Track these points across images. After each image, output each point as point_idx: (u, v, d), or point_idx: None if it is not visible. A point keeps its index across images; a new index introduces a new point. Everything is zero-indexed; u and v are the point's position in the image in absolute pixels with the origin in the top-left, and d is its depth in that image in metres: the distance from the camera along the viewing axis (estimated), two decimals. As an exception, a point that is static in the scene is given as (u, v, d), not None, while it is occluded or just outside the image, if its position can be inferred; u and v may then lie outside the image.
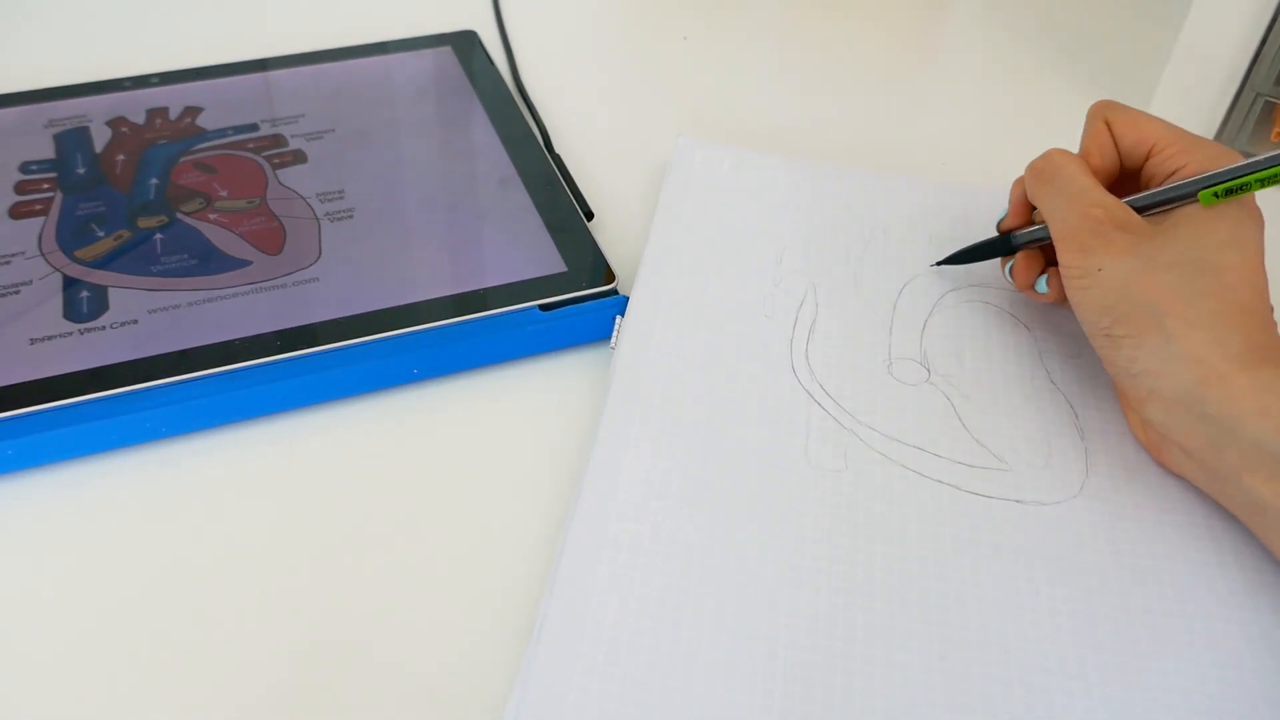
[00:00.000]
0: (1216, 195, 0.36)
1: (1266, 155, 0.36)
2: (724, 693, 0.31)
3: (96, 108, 0.53)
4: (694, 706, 0.31)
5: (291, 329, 0.42)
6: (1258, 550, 0.36)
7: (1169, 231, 0.37)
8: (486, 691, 0.33)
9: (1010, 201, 0.43)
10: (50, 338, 0.41)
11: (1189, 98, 0.54)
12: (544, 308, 0.43)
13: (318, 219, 0.47)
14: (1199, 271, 0.35)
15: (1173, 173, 0.38)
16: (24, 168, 0.49)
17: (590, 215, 0.49)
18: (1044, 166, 0.40)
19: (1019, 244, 0.43)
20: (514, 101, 0.54)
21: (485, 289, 0.44)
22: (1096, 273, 0.37)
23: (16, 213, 0.47)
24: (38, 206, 0.47)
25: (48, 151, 0.50)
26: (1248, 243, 0.36)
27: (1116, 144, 0.40)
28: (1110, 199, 0.38)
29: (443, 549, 0.37)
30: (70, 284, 0.43)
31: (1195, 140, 0.38)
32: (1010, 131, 0.57)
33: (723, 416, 0.39)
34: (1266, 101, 0.52)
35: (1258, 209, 0.37)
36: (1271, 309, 0.36)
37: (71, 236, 0.46)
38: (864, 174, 0.50)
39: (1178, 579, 0.35)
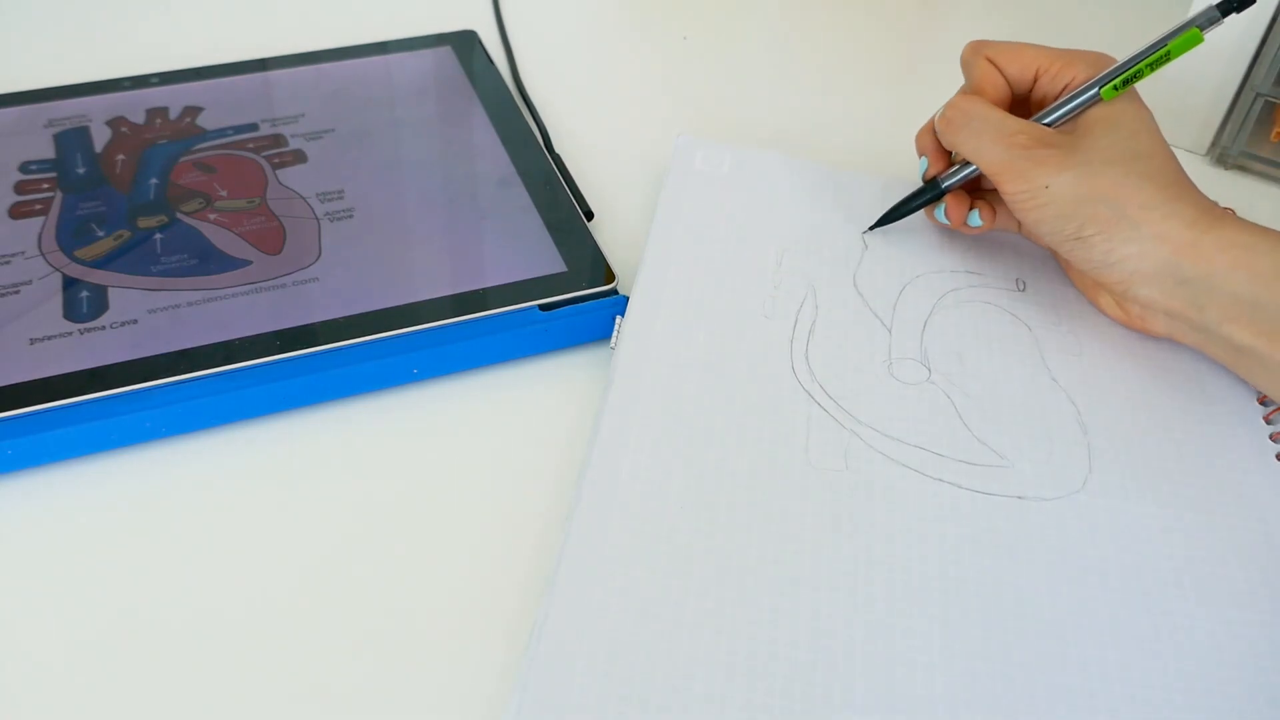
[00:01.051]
0: (1117, 88, 0.41)
1: (1151, 44, 0.41)
2: (724, 693, 0.31)
3: (96, 108, 0.53)
4: (694, 706, 0.31)
5: (291, 329, 0.42)
6: (1261, 546, 0.36)
7: (1087, 136, 0.41)
8: (486, 691, 0.33)
9: (924, 151, 0.46)
10: (50, 338, 0.41)
11: (1189, 98, 0.54)
12: (544, 308, 0.43)
13: (317, 219, 0.47)
14: (1131, 160, 0.40)
15: (1064, 86, 0.43)
16: (24, 167, 0.49)
17: (590, 215, 0.49)
18: (953, 115, 0.43)
19: (947, 187, 0.45)
20: (514, 101, 0.54)
21: (485, 289, 0.44)
22: (1045, 190, 0.40)
23: (16, 212, 0.47)
24: (38, 206, 0.47)
25: (48, 151, 0.50)
26: (1151, 127, 0.41)
27: (1004, 75, 0.44)
28: (1027, 124, 0.42)
29: (443, 549, 0.37)
30: (70, 284, 0.43)
31: (1072, 54, 0.43)
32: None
33: (723, 417, 0.39)
34: (1266, 101, 0.52)
35: (1141, 99, 0.42)
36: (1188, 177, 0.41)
37: (71, 236, 0.46)
38: (864, 174, 0.50)
39: (1181, 574, 0.35)
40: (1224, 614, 0.34)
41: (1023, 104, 0.44)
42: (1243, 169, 0.55)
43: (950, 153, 0.46)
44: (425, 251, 0.46)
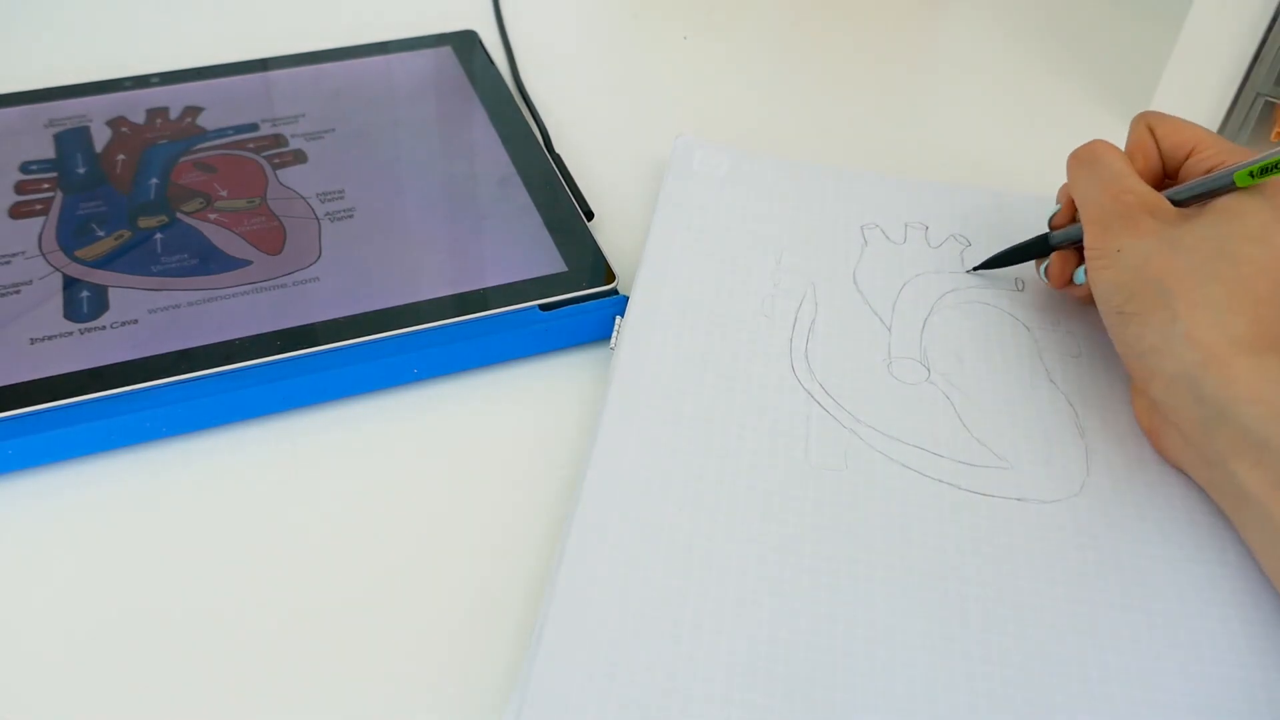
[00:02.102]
0: (1252, 175, 0.37)
1: None
2: (724, 692, 0.31)
3: (96, 108, 0.53)
4: (694, 707, 0.31)
5: (291, 329, 0.42)
6: (1258, 550, 0.36)
7: (1196, 219, 0.37)
8: (486, 691, 0.33)
9: (1061, 199, 0.44)
10: (50, 337, 0.41)
11: (1189, 98, 0.54)
12: (544, 307, 0.43)
13: (318, 219, 0.47)
14: (1217, 257, 0.36)
15: (1209, 169, 0.39)
16: (24, 167, 0.49)
17: (590, 215, 0.49)
18: (1084, 154, 0.41)
19: (1056, 244, 0.43)
20: (514, 101, 0.54)
21: (485, 289, 0.44)
22: (1115, 253, 0.37)
23: (17, 212, 0.47)
24: (38, 206, 0.47)
25: (48, 151, 0.50)
26: (1274, 240, 0.36)
27: (1159, 146, 0.41)
28: (1144, 186, 0.39)
29: (443, 549, 0.37)
30: (70, 284, 0.43)
31: (1234, 145, 0.39)
32: (1010, 132, 0.57)
33: (723, 416, 0.39)
34: (1266, 101, 0.52)
35: None
36: None
37: (72, 236, 0.46)
38: (863, 174, 0.50)
39: (1178, 577, 0.35)
40: (1225, 616, 0.34)
41: (1173, 182, 0.41)
42: (1243, 169, 0.55)
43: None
44: (425, 251, 0.46)
